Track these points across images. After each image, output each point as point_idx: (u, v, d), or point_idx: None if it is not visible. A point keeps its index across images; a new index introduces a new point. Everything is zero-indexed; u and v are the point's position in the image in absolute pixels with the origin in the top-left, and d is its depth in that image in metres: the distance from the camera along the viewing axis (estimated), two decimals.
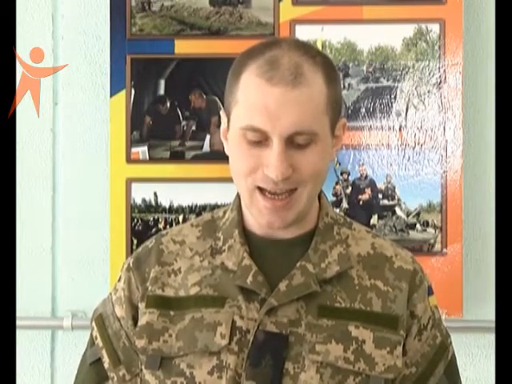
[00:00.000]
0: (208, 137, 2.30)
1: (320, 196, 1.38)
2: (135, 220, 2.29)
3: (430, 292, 1.39)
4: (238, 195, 1.38)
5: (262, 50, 1.28)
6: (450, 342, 1.40)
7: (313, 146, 1.26)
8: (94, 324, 1.42)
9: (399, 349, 1.32)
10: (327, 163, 1.31)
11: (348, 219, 1.41)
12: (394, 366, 1.30)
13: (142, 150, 2.30)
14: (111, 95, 2.30)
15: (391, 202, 2.28)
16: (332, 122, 1.29)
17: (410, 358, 1.35)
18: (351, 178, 2.28)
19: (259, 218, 1.29)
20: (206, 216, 1.43)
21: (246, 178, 1.27)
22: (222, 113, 1.35)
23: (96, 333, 1.41)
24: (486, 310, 2.25)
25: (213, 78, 2.28)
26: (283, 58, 1.26)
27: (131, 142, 2.30)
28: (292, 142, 1.25)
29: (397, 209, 2.28)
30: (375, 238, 1.39)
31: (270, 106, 1.23)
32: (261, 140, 1.25)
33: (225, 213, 1.40)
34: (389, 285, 1.34)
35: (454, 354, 1.41)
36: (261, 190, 1.27)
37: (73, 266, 2.36)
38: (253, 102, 1.25)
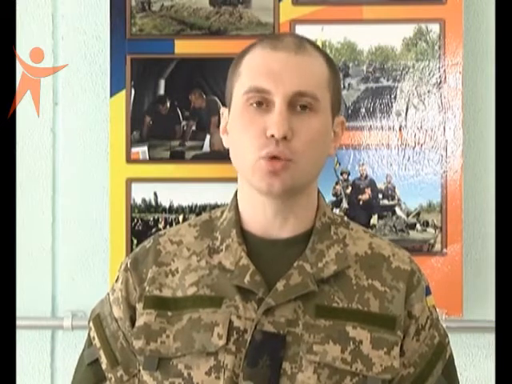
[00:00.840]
0: (208, 137, 2.30)
1: (318, 196, 1.38)
2: (135, 220, 2.29)
3: (428, 292, 1.39)
4: (235, 195, 1.39)
5: (264, 37, 1.35)
6: (448, 342, 1.40)
7: (313, 114, 1.28)
8: (91, 324, 1.42)
9: (396, 349, 1.32)
10: (326, 146, 1.33)
11: (345, 219, 1.42)
12: (391, 366, 1.30)
13: (142, 150, 2.30)
14: (111, 95, 2.30)
15: (391, 202, 2.28)
16: (332, 105, 1.32)
17: (408, 359, 1.35)
18: (351, 178, 2.28)
19: (260, 182, 1.29)
20: (204, 216, 1.43)
21: (250, 149, 1.28)
22: (222, 109, 1.36)
23: (94, 333, 1.41)
24: (486, 310, 2.24)
25: (213, 78, 2.28)
26: (286, 37, 1.33)
27: (131, 142, 2.30)
28: (294, 107, 1.27)
29: (397, 209, 2.28)
30: (373, 237, 1.39)
31: (273, 68, 1.27)
32: (263, 104, 1.27)
33: (222, 213, 1.40)
34: (386, 285, 1.34)
35: (451, 354, 1.40)
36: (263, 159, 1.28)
37: (73, 266, 2.36)
38: (257, 66, 1.29)
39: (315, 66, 1.30)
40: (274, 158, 1.27)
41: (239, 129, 1.30)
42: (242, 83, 1.30)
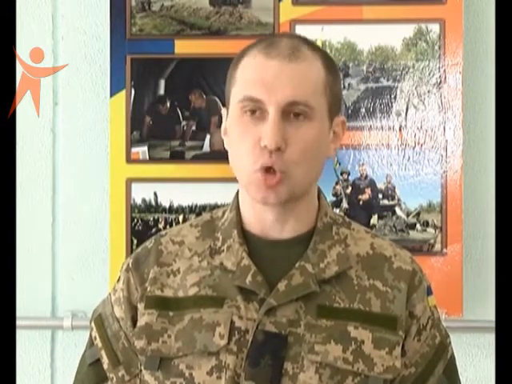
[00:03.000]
0: (208, 137, 2.30)
1: (319, 196, 1.38)
2: (135, 220, 2.29)
3: (430, 292, 1.39)
4: (236, 195, 1.39)
5: (262, 40, 1.32)
6: (449, 342, 1.40)
7: (308, 122, 1.27)
8: (93, 324, 1.42)
9: (398, 349, 1.32)
10: (323, 152, 1.32)
11: (347, 219, 1.42)
12: (393, 366, 1.30)
13: (142, 150, 2.30)
14: (111, 95, 2.30)
15: (391, 202, 2.28)
16: (330, 109, 1.31)
17: (410, 359, 1.35)
18: (351, 178, 2.28)
19: (255, 193, 1.29)
20: (205, 216, 1.43)
21: (246, 160, 1.28)
22: (222, 110, 1.36)
23: (95, 333, 1.41)
24: (486, 310, 2.24)
25: (213, 77, 2.28)
26: (282, 41, 1.30)
27: (131, 142, 2.30)
28: (288, 115, 1.26)
29: (397, 209, 2.28)
30: (374, 238, 1.39)
31: (266, 77, 1.26)
32: (257, 112, 1.26)
33: (224, 213, 1.40)
34: (388, 285, 1.34)
35: (453, 354, 1.40)
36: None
37: (73, 266, 2.36)
38: (250, 75, 1.28)
39: (310, 73, 1.28)
40: (268, 170, 1.26)
41: (235, 138, 1.30)
42: (237, 91, 1.30)
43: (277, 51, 1.27)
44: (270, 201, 1.29)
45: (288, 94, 1.25)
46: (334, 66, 1.34)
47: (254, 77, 1.27)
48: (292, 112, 1.26)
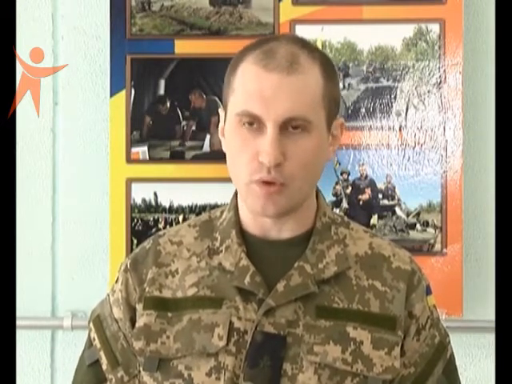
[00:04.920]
0: (208, 137, 2.30)
1: (317, 196, 1.38)
2: (135, 220, 2.29)
3: (429, 291, 1.39)
4: (234, 195, 1.38)
5: (260, 43, 1.30)
6: (449, 342, 1.40)
7: (306, 134, 1.26)
8: (91, 325, 1.42)
9: (397, 349, 1.32)
10: (322, 160, 1.31)
11: (346, 219, 1.41)
12: (392, 366, 1.30)
13: (142, 150, 2.30)
14: (111, 95, 2.30)
15: (391, 202, 2.28)
16: (328, 117, 1.30)
17: (409, 359, 1.35)
18: (351, 178, 2.28)
19: (254, 204, 1.29)
20: (204, 216, 1.43)
21: (244, 172, 1.27)
22: (220, 111, 1.35)
23: (94, 334, 1.41)
24: (486, 310, 2.24)
25: (213, 77, 2.28)
26: (280, 48, 1.27)
27: (131, 142, 2.30)
28: (286, 129, 1.25)
29: (397, 209, 2.28)
30: (373, 237, 1.39)
31: (264, 92, 1.24)
32: (255, 124, 1.25)
33: (222, 213, 1.40)
34: (387, 285, 1.34)
35: (452, 354, 1.40)
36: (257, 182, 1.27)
37: (73, 266, 2.36)
38: (248, 87, 1.26)
39: (308, 86, 1.26)
40: (267, 182, 1.26)
41: (233, 150, 1.29)
42: (235, 101, 1.28)
43: (275, 62, 1.25)
44: (268, 211, 1.28)
45: (286, 110, 1.24)
46: (332, 71, 1.32)
47: (252, 90, 1.25)
48: (290, 126, 1.25)
